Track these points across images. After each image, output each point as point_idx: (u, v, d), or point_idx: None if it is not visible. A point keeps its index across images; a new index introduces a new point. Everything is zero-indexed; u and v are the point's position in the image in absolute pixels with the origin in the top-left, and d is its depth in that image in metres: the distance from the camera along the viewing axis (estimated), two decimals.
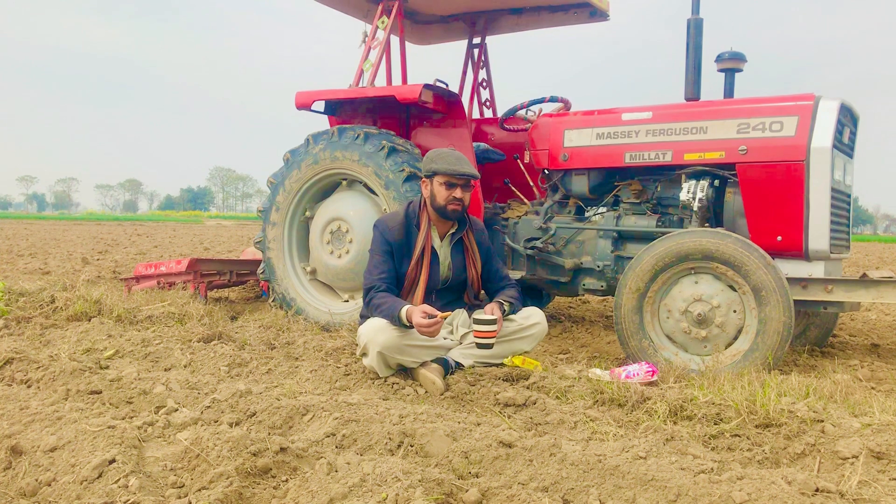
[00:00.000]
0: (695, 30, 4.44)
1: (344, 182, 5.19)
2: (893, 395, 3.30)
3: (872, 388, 3.54)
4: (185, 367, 3.59)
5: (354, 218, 4.98)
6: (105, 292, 4.98)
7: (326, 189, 5.29)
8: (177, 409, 2.76)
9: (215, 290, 6.25)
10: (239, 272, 6.21)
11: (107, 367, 3.43)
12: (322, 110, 5.53)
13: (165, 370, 3.52)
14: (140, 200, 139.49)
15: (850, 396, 3.14)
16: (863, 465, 2.17)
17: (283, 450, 2.20)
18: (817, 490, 1.93)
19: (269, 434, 2.39)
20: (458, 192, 3.57)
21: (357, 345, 3.54)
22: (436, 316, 3.25)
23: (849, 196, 4.34)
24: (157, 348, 3.84)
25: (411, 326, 3.28)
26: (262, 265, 5.42)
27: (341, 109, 5.52)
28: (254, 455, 2.14)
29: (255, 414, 2.70)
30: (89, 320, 4.50)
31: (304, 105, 5.33)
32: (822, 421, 2.55)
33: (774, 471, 2.08)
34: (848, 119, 4.19)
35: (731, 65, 4.56)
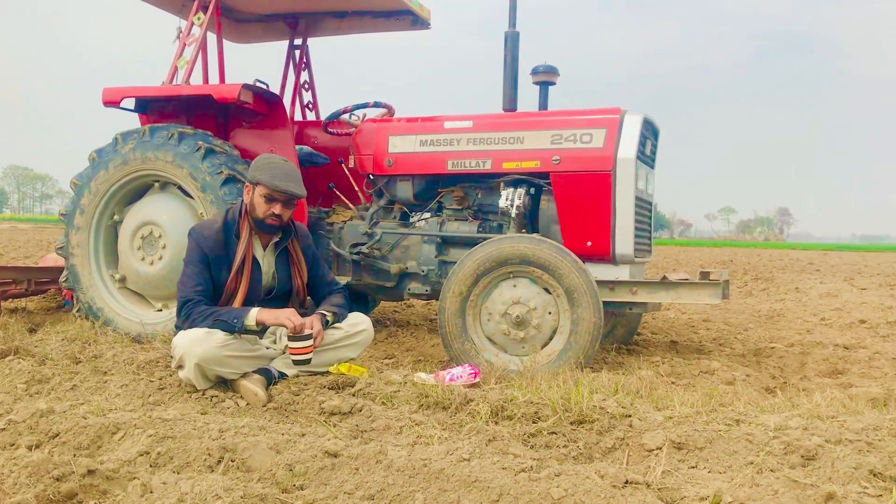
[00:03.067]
0: (511, 43, 4.62)
1: (156, 184, 4.92)
2: (691, 389, 3.59)
3: (673, 382, 3.83)
4: None
5: (168, 222, 4.73)
6: None
7: (137, 191, 4.99)
8: None
9: (11, 300, 5.71)
10: (38, 280, 5.70)
11: None
12: (132, 108, 5.21)
13: None
14: None
15: (654, 391, 3.38)
16: (666, 455, 2.34)
17: (90, 472, 2.04)
18: (627, 482, 2.05)
19: (75, 456, 2.21)
20: (277, 208, 3.41)
21: (172, 357, 3.35)
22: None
23: (650, 204, 4.68)
24: None
25: (259, 332, 3.17)
26: (64, 272, 5.02)
27: (153, 108, 5.23)
28: (57, 480, 1.97)
29: (58, 435, 2.48)
30: None
31: (111, 102, 5.00)
32: (630, 416, 2.72)
33: (588, 465, 2.20)
34: (650, 132, 4.52)
35: (546, 78, 4.78)
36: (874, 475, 2.11)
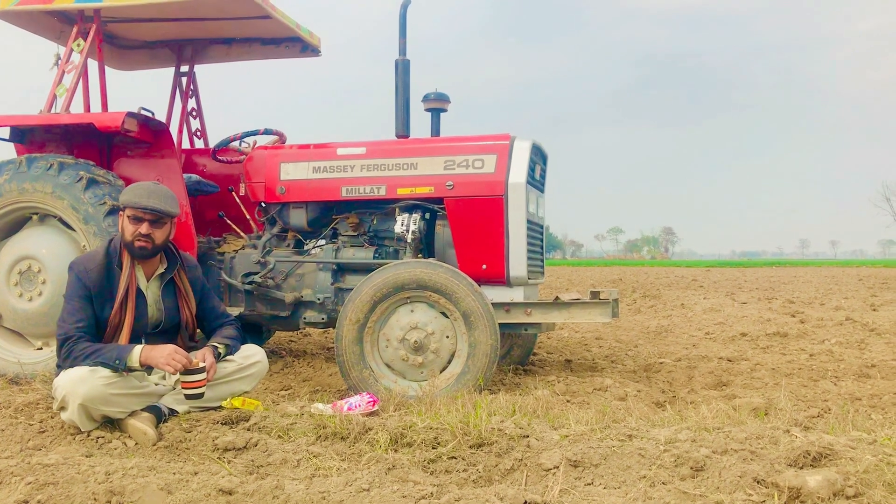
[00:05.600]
0: (402, 70, 4.67)
1: (35, 217, 4.68)
2: (585, 407, 3.68)
3: (568, 401, 3.91)
4: None
5: (48, 256, 4.50)
6: None
7: (13, 225, 4.73)
8: None
9: None
10: None
11: None
12: (7, 137, 4.95)
13: None
14: None
15: (550, 410, 3.45)
16: (563, 474, 2.39)
17: None
18: (525, 503, 2.08)
19: None
20: (144, 228, 3.27)
21: (54, 398, 3.17)
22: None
23: (542, 226, 4.80)
24: None
25: (146, 368, 3.05)
26: None
27: (31, 137, 4.98)
28: None
29: None
30: None
31: None
32: (528, 436, 2.76)
33: (488, 488, 2.22)
34: (539, 157, 4.65)
35: (437, 105, 4.86)
36: (758, 482, 2.22)
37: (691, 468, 2.35)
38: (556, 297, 4.36)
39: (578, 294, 4.56)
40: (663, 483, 2.28)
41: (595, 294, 4.28)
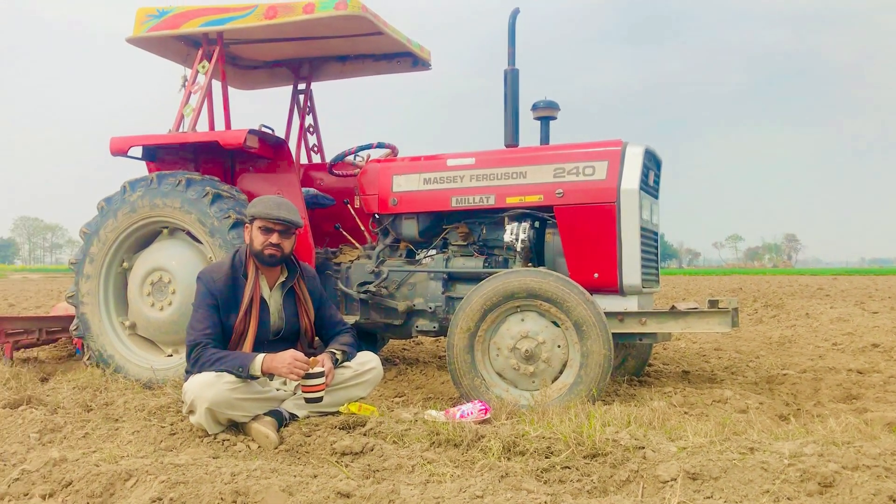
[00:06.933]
0: (511, 80, 4.68)
1: (165, 231, 4.97)
2: (704, 419, 3.56)
3: (685, 412, 3.80)
4: None
5: (177, 267, 4.77)
6: None
7: (145, 238, 5.04)
8: None
9: (22, 349, 5.73)
10: (49, 329, 5.72)
11: None
12: (140, 156, 5.29)
13: None
14: None
15: (667, 422, 3.36)
16: (681, 486, 2.32)
17: None
18: None
19: None
20: (274, 238, 3.46)
21: (183, 402, 3.36)
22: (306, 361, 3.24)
23: (656, 234, 4.69)
24: None
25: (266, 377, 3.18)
26: (75, 321, 5.05)
27: (160, 156, 5.30)
28: None
29: (70, 483, 2.48)
30: None
31: (119, 151, 5.08)
32: (644, 448, 2.70)
33: (603, 499, 2.18)
34: (652, 163, 4.55)
35: (546, 113, 4.84)
36: (894, 501, 2.09)
37: (819, 484, 2.24)
38: (673, 307, 4.25)
39: (696, 303, 4.42)
40: (788, 499, 2.18)
41: (713, 303, 4.14)
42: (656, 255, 4.70)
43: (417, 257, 4.93)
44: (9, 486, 2.46)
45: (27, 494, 2.42)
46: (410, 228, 4.83)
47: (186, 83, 5.11)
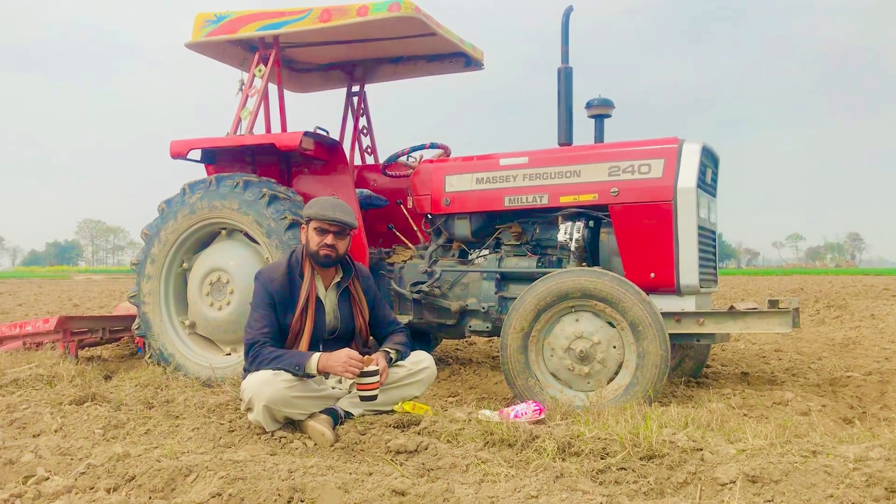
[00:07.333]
0: (565, 78, 4.65)
1: (223, 232, 5.07)
2: (764, 421, 3.48)
3: (745, 414, 3.72)
4: (55, 431, 3.36)
5: (235, 268, 4.86)
6: None
7: (204, 239, 5.15)
8: (48, 478, 2.57)
9: (87, 348, 5.91)
10: (112, 329, 5.90)
11: None
12: (198, 159, 5.41)
13: (34, 436, 3.28)
14: (1, 257, 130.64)
15: (725, 424, 3.29)
16: (740, 489, 2.28)
17: None
18: None
19: (150, 498, 2.27)
20: (329, 239, 3.49)
21: (241, 399, 3.42)
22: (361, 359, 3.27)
23: (713, 233, 4.60)
24: (24, 413, 3.58)
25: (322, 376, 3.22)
26: (136, 320, 5.19)
27: (219, 158, 5.41)
28: None
29: (134, 478, 2.55)
30: None
31: (179, 154, 5.19)
32: (701, 449, 2.65)
33: (660, 501, 2.15)
34: (709, 160, 4.47)
35: (600, 111, 4.79)
36: None
37: (886, 489, 2.17)
38: (731, 307, 4.16)
39: (755, 304, 4.32)
40: None
41: (773, 303, 4.04)
42: (714, 254, 4.61)
43: (470, 257, 4.93)
44: (75, 479, 2.54)
45: (93, 488, 2.49)
46: (463, 228, 4.83)
47: (243, 87, 5.20)
